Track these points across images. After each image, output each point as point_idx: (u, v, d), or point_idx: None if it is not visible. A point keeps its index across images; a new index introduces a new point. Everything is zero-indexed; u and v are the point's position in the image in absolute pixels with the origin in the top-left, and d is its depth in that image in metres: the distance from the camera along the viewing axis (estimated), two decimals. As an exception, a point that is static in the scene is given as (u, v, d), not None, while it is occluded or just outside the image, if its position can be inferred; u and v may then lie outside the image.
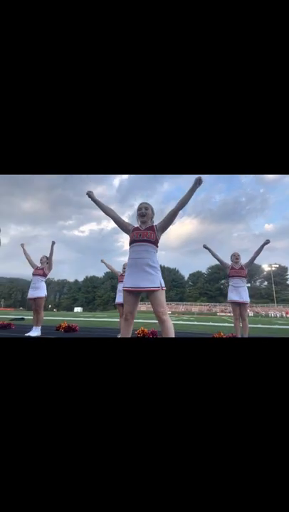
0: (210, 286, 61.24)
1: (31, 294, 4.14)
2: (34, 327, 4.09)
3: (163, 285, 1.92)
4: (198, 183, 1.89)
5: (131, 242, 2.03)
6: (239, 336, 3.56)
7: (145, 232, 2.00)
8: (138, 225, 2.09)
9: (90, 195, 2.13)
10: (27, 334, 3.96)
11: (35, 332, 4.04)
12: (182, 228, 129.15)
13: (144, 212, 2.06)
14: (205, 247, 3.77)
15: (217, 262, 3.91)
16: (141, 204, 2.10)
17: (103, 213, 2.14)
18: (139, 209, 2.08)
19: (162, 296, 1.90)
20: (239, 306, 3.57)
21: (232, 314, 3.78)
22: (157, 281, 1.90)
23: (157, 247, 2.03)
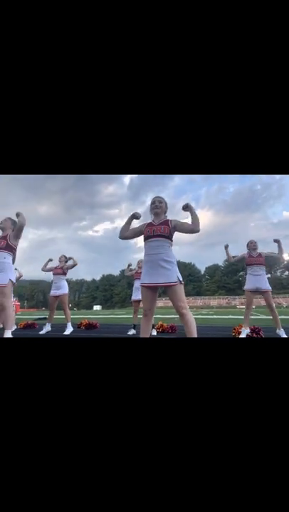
0: (228, 278, 59.96)
1: (54, 292, 4.28)
2: (68, 324, 4.25)
3: (181, 279, 1.91)
4: None
5: (145, 238, 2.02)
6: (247, 328, 3.40)
7: (159, 227, 1.99)
8: (151, 220, 2.09)
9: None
10: (65, 333, 4.11)
11: (69, 329, 4.21)
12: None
13: (158, 205, 2.05)
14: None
15: (236, 254, 3.78)
16: (155, 198, 2.10)
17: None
18: (153, 202, 2.07)
19: (181, 290, 1.89)
20: (262, 295, 3.37)
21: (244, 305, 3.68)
22: (174, 275, 1.88)
23: (172, 241, 2.01)
